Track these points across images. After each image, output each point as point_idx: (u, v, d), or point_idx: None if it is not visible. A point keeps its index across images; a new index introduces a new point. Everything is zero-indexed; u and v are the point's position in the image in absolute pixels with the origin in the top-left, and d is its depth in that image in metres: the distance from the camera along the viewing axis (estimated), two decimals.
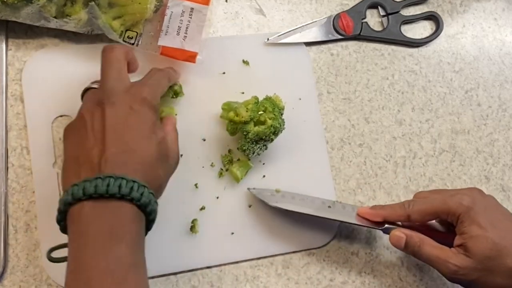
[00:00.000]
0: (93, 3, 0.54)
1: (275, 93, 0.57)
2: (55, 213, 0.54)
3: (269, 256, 0.58)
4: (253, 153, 0.56)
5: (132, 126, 0.43)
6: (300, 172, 0.60)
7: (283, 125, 0.56)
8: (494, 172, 0.67)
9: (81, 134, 0.43)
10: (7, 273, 0.53)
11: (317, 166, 0.61)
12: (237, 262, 0.57)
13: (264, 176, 0.59)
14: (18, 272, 0.53)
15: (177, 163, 0.48)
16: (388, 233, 0.53)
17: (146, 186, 0.41)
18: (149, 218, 0.42)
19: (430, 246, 0.50)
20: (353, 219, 0.54)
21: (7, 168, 0.55)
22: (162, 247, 0.55)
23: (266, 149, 0.57)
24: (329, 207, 0.56)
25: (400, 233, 0.51)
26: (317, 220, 0.56)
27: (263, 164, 0.60)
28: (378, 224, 0.53)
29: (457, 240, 0.49)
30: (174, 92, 0.58)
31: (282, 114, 0.56)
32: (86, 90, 0.49)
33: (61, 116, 0.57)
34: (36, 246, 0.54)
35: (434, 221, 0.54)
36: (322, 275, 0.59)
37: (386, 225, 0.53)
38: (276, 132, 0.55)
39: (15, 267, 0.53)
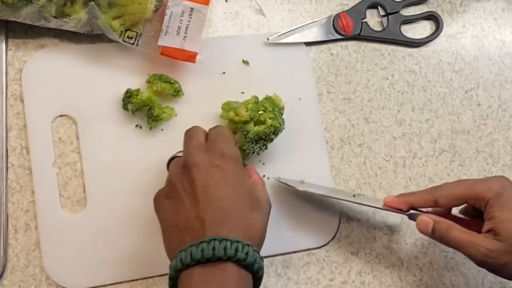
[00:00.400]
0: (93, 3, 0.54)
1: (275, 93, 0.57)
2: (54, 213, 0.54)
3: (269, 256, 0.58)
4: (253, 153, 0.56)
5: (220, 182, 0.44)
6: (300, 172, 0.60)
7: (283, 124, 0.56)
8: (494, 172, 0.67)
9: (175, 200, 0.44)
10: (7, 273, 0.53)
11: (317, 166, 0.61)
12: None
13: (264, 176, 0.59)
14: (18, 272, 0.53)
15: (269, 205, 0.48)
16: (414, 219, 0.52)
17: (250, 244, 0.41)
18: (256, 276, 0.42)
19: (458, 231, 0.49)
20: (379, 205, 0.54)
21: (7, 168, 0.55)
22: (162, 248, 0.55)
23: (266, 149, 0.57)
24: (354, 196, 0.56)
25: (427, 218, 0.51)
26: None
27: (263, 164, 0.60)
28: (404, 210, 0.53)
29: (486, 226, 0.48)
30: (174, 89, 0.58)
31: (282, 114, 0.56)
32: (172, 159, 0.50)
33: (61, 116, 0.57)
34: (36, 246, 0.54)
35: (457, 211, 0.54)
36: (322, 275, 0.59)
37: (412, 211, 0.53)
38: (276, 131, 0.55)
39: (15, 267, 0.53)
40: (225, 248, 0.40)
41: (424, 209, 0.53)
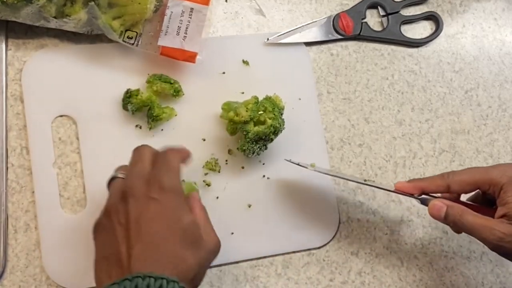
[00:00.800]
0: (92, 3, 0.54)
1: (275, 93, 0.57)
2: (54, 213, 0.54)
3: (269, 256, 0.58)
4: (253, 153, 0.56)
5: (155, 217, 0.42)
6: (300, 172, 0.60)
7: (283, 125, 0.56)
8: None
9: (108, 231, 0.43)
10: (7, 273, 0.53)
11: (317, 166, 0.61)
12: (237, 262, 0.57)
13: (264, 176, 0.59)
14: (18, 272, 0.53)
15: (216, 247, 0.46)
16: (426, 204, 0.51)
17: (176, 281, 0.40)
18: None
19: (472, 215, 0.48)
20: (391, 188, 0.53)
21: (7, 168, 0.55)
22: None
23: (266, 149, 0.57)
24: (365, 180, 0.56)
25: (440, 203, 0.50)
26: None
27: (263, 164, 0.60)
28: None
29: (500, 211, 0.48)
30: (174, 89, 0.58)
31: (282, 114, 0.56)
32: (112, 179, 0.48)
33: (60, 116, 0.57)
34: (36, 246, 0.54)
35: (464, 199, 0.53)
36: (322, 275, 0.59)
37: (424, 196, 0.52)
38: (276, 132, 0.55)
39: (15, 267, 0.53)
40: (148, 286, 0.38)
41: (435, 195, 0.52)
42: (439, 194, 0.52)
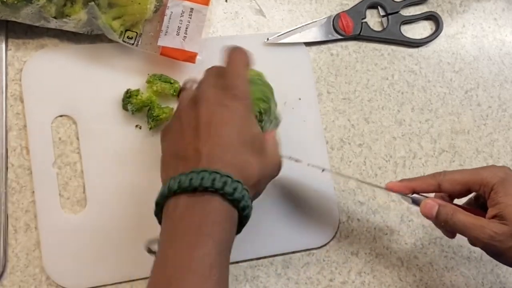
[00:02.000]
0: (92, 3, 0.54)
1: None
2: (54, 213, 0.54)
3: (269, 256, 0.58)
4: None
5: (225, 121, 0.43)
6: (300, 172, 0.60)
7: (274, 106, 0.54)
8: None
9: (178, 132, 0.44)
10: (7, 273, 0.53)
11: (312, 162, 0.61)
12: (237, 262, 0.57)
13: None
14: (18, 272, 0.53)
15: (276, 167, 0.47)
16: (417, 204, 0.52)
17: (240, 181, 0.41)
18: (242, 214, 0.42)
19: (464, 214, 0.48)
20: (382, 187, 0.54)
21: (6, 168, 0.55)
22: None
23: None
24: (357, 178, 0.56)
25: (432, 202, 0.50)
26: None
27: None
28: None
29: (490, 212, 0.48)
30: (174, 89, 0.58)
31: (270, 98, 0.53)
32: (182, 90, 0.50)
33: (60, 116, 0.57)
34: (36, 246, 0.54)
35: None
36: (322, 275, 0.59)
37: (415, 195, 0.52)
38: (264, 112, 0.52)
39: (15, 267, 0.53)
40: (213, 180, 0.39)
41: (427, 195, 0.52)
42: (432, 195, 0.53)
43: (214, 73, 0.47)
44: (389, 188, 0.53)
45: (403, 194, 0.52)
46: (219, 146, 0.42)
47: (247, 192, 0.41)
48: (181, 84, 0.53)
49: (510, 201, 0.47)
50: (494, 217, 0.47)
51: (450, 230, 0.51)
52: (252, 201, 0.43)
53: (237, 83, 0.45)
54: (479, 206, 0.52)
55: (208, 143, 0.42)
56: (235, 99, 0.44)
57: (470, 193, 0.51)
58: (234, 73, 0.47)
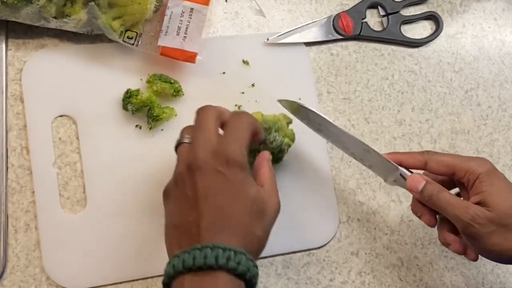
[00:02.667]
0: (93, 3, 0.54)
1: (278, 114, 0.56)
2: (54, 213, 0.54)
3: (269, 256, 0.58)
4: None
5: (222, 190, 0.43)
6: (300, 172, 0.60)
7: (282, 138, 0.54)
8: None
9: (176, 200, 0.44)
10: (7, 273, 0.53)
11: (317, 166, 0.61)
12: None
13: None
14: (18, 272, 0.53)
15: (277, 211, 0.46)
16: (404, 178, 0.52)
17: (243, 252, 0.41)
18: (250, 283, 0.42)
19: (449, 194, 0.49)
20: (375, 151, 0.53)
21: (7, 168, 0.55)
22: (163, 248, 0.55)
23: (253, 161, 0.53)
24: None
25: (420, 177, 0.50)
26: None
27: None
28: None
29: (473, 199, 0.48)
30: (174, 89, 0.58)
31: (277, 131, 0.54)
32: (179, 143, 0.48)
33: (61, 116, 0.57)
34: (36, 246, 0.54)
35: None
36: (322, 275, 0.59)
37: (402, 168, 0.52)
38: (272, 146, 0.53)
39: (15, 267, 0.53)
40: (216, 257, 0.39)
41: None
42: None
43: (211, 128, 0.46)
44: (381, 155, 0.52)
45: (393, 165, 0.52)
46: (219, 219, 0.42)
47: (251, 262, 0.41)
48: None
49: (494, 191, 0.47)
50: (478, 203, 0.48)
51: (431, 206, 0.50)
52: (258, 255, 0.44)
53: (230, 146, 0.44)
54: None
55: (208, 217, 0.42)
56: (228, 164, 0.44)
57: (452, 177, 0.51)
58: (231, 133, 0.46)
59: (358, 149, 0.54)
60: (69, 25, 0.55)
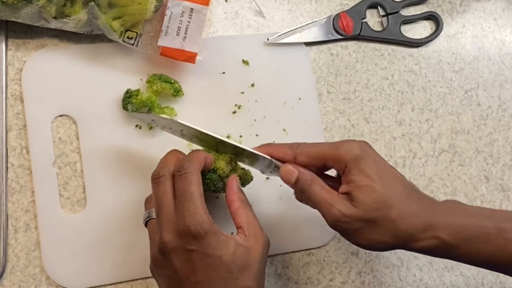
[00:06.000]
0: (93, 3, 0.54)
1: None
2: (54, 213, 0.54)
3: (269, 256, 0.58)
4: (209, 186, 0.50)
5: (200, 266, 0.43)
6: None
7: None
8: (494, 172, 0.67)
9: (164, 279, 0.45)
10: (7, 273, 0.53)
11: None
12: None
13: (267, 178, 0.59)
14: (17, 272, 0.53)
15: (262, 252, 0.46)
16: (278, 168, 0.49)
17: None
18: None
19: (319, 187, 0.47)
20: (250, 148, 0.50)
21: (6, 168, 0.55)
22: None
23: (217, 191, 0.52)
24: (227, 137, 0.54)
25: (292, 168, 0.48)
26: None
27: None
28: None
29: (343, 188, 0.46)
30: (174, 89, 0.58)
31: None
32: (147, 219, 0.49)
33: (60, 116, 0.57)
34: (36, 246, 0.54)
35: None
36: (322, 275, 0.59)
37: (273, 160, 0.49)
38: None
39: (14, 267, 0.53)
40: None
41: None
42: None
43: (167, 202, 0.45)
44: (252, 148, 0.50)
45: (271, 159, 0.49)
46: (205, 287, 0.43)
47: None
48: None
49: (361, 181, 0.45)
50: (346, 193, 0.46)
51: (306, 200, 0.49)
52: None
53: (188, 218, 0.43)
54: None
55: None
56: (196, 239, 0.43)
57: (328, 168, 0.49)
58: (183, 202, 0.44)
59: (230, 150, 0.51)
60: (69, 25, 0.55)
